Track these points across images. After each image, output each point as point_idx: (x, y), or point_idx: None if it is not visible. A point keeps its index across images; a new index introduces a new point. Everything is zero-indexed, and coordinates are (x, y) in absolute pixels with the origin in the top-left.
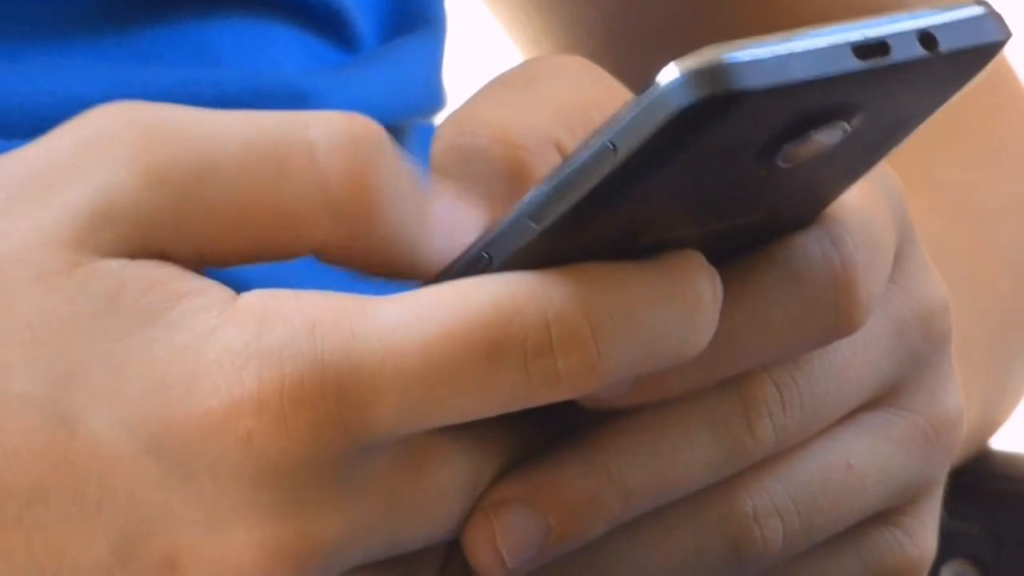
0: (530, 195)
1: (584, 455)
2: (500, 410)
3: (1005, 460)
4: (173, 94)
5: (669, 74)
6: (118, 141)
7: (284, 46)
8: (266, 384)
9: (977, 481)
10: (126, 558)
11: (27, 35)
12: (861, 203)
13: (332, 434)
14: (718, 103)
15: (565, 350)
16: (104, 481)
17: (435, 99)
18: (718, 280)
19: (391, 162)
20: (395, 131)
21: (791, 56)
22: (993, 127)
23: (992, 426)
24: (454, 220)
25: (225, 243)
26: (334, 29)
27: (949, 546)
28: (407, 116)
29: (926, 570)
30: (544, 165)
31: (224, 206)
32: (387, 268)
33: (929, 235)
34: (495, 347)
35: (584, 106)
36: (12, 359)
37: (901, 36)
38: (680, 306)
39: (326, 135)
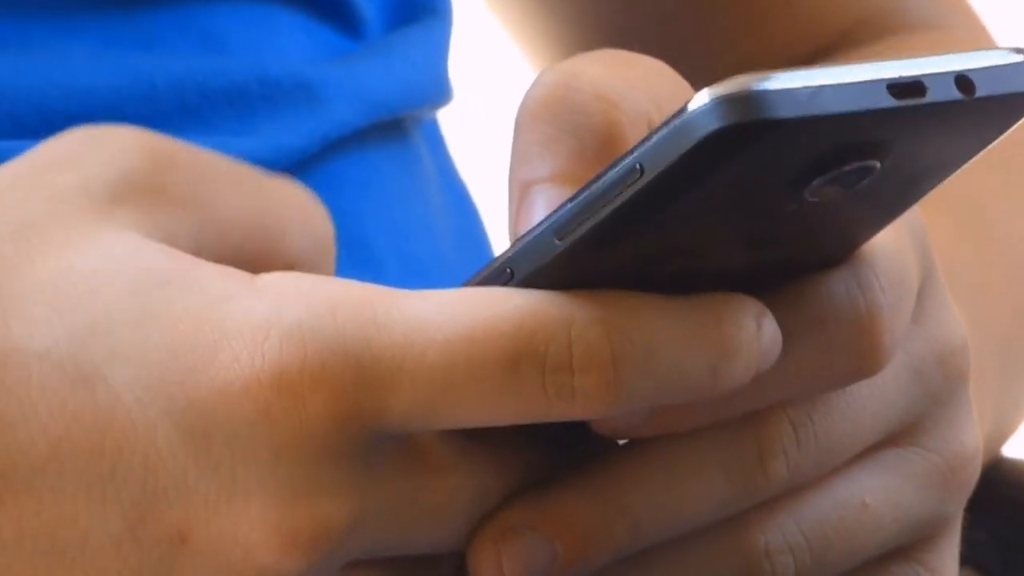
0: (556, 213)
1: (594, 485)
2: (512, 420)
3: (1013, 467)
4: (180, 84)
5: (700, 99)
6: (126, 133)
7: (290, 34)
8: (287, 359)
9: (985, 488)
10: (137, 527)
11: (36, 20)
12: (889, 244)
13: (347, 419)
14: (747, 131)
15: (583, 369)
16: (121, 444)
17: (442, 91)
18: (768, 324)
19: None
20: (398, 124)
21: (824, 88)
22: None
23: (1003, 437)
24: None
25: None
26: (340, 17)
27: None
28: (413, 107)
29: None
30: (637, 135)
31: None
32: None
33: (937, 245)
34: (515, 356)
35: (671, 96)
36: (33, 315)
37: (938, 77)
38: (705, 349)
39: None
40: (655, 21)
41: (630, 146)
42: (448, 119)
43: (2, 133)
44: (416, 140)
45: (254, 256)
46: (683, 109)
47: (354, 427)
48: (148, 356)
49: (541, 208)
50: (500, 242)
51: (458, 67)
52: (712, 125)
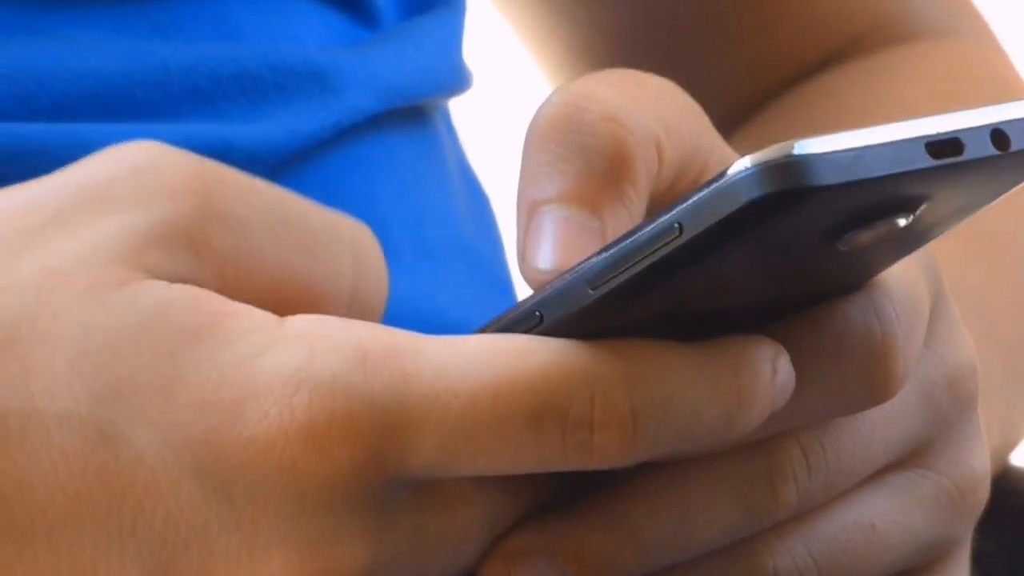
0: (591, 261)
1: (605, 509)
2: (529, 470)
3: (1020, 477)
4: (192, 70)
5: (741, 165)
6: (177, 172)
7: (304, 21)
8: (316, 415)
9: (992, 498)
10: None
11: (49, 8)
12: (902, 272)
13: (370, 467)
14: (788, 197)
15: (603, 427)
16: (142, 502)
17: (458, 78)
18: (783, 366)
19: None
20: (417, 110)
21: (864, 152)
22: None
23: (1010, 448)
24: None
25: (262, 284)
26: (354, 6)
27: None
28: (428, 95)
29: None
30: (645, 157)
31: (255, 267)
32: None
33: (946, 262)
34: (538, 413)
35: (680, 118)
36: (56, 374)
37: (974, 133)
38: (723, 399)
39: (355, 243)
40: (663, 24)
41: (639, 168)
42: (458, 111)
43: (13, 116)
44: (437, 124)
45: (278, 304)
46: (724, 173)
47: (376, 475)
48: (174, 418)
49: (549, 228)
50: (509, 233)
51: (471, 59)
52: (754, 192)
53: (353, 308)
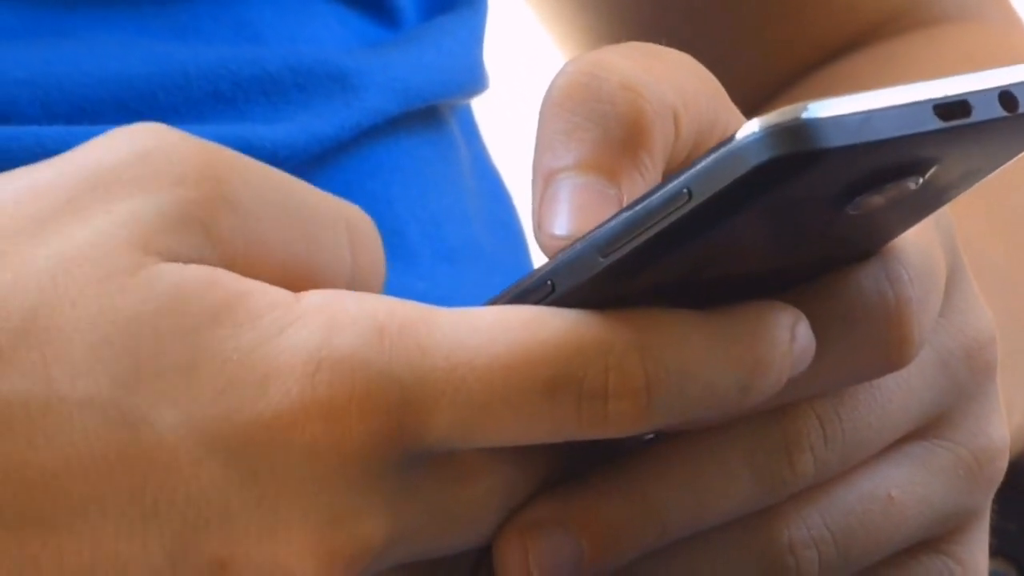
0: (601, 229)
1: (621, 482)
2: (543, 440)
3: None
4: (213, 73)
5: (750, 128)
6: (184, 154)
7: (324, 22)
8: (336, 392)
9: (1014, 478)
10: (177, 559)
11: (69, 10)
12: (917, 238)
13: (388, 441)
14: (797, 160)
15: (617, 396)
16: (164, 483)
17: (477, 79)
18: (802, 332)
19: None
20: (433, 111)
21: (872, 115)
22: None
23: None
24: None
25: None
26: (375, 7)
27: None
28: (448, 96)
29: None
30: (663, 127)
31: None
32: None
33: (967, 236)
34: (553, 384)
35: (697, 91)
36: (75, 361)
37: (982, 95)
38: (739, 367)
39: (351, 225)
40: (687, 9)
41: (655, 137)
42: (480, 108)
43: (34, 119)
44: (451, 126)
45: (283, 286)
46: (732, 137)
47: (393, 448)
48: (196, 399)
49: (565, 195)
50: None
51: (492, 57)
52: (763, 155)
53: (353, 289)
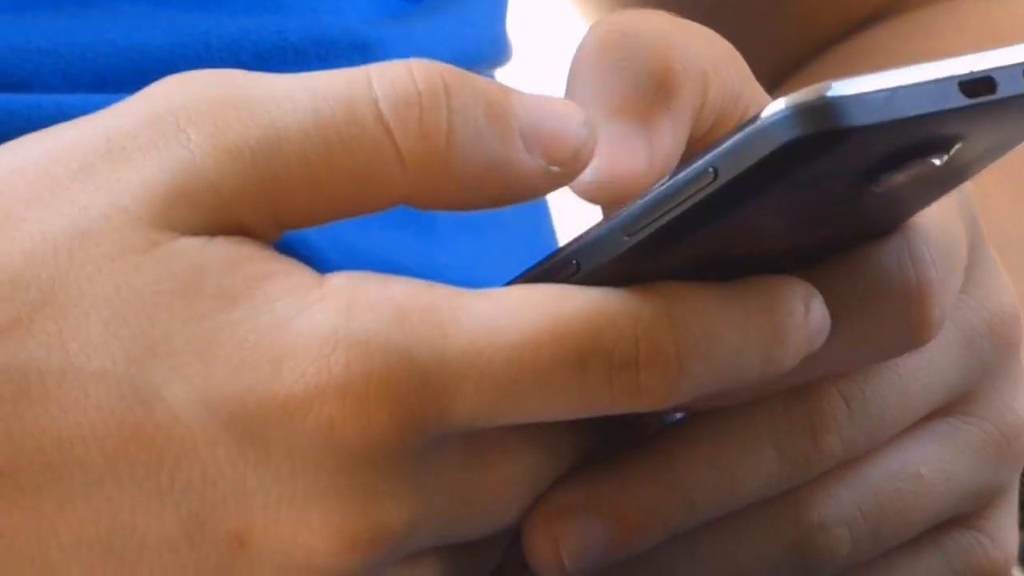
0: (626, 209)
1: (648, 464)
2: (575, 415)
3: None
4: (235, 44)
5: (775, 107)
6: (189, 116)
7: None
8: (354, 373)
9: None
10: (195, 533)
11: None
12: (938, 214)
13: (410, 429)
14: (822, 139)
15: (648, 365)
16: (179, 458)
17: (500, 50)
18: (816, 306)
19: (460, 99)
20: None
21: (897, 92)
22: None
23: None
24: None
25: (303, 208)
26: None
27: None
28: (471, 67)
29: (1009, 573)
30: (692, 87)
31: (298, 174)
32: (486, 199)
33: (990, 211)
34: (583, 356)
35: (726, 61)
36: (91, 335)
37: (1007, 71)
38: (764, 333)
39: (390, 90)
40: None
41: (685, 94)
42: (503, 79)
43: (56, 88)
44: None
45: (348, 207)
46: (757, 116)
47: (416, 434)
48: (210, 377)
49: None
50: (554, 203)
51: (515, 27)
52: (789, 134)
53: (416, 176)
